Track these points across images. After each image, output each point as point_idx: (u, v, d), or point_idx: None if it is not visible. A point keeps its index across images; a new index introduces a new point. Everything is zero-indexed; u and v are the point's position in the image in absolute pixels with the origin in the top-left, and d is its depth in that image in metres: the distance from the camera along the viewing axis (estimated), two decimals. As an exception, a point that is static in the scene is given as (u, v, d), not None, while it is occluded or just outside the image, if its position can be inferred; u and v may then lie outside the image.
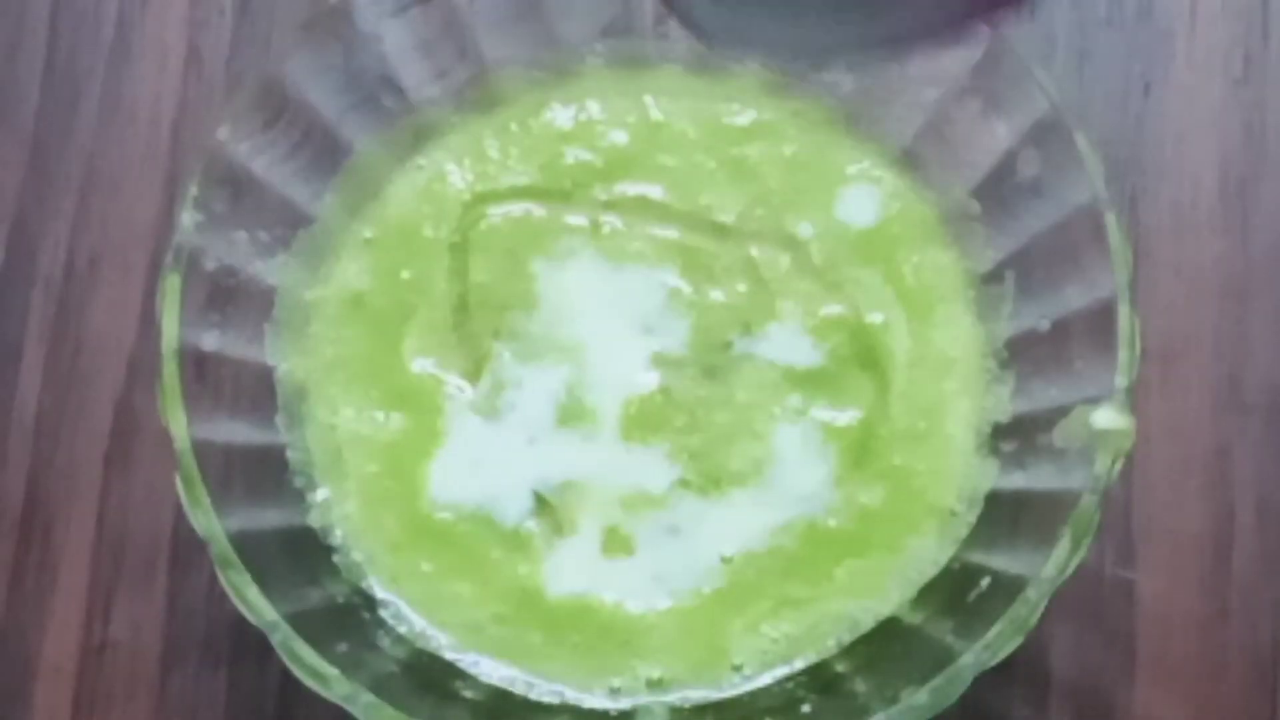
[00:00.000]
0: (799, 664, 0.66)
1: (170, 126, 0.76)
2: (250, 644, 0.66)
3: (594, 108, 0.73)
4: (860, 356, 0.70)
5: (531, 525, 0.67)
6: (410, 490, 0.68)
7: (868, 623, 0.66)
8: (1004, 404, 0.68)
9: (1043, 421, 0.65)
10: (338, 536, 0.67)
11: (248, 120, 0.65)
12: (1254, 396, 0.72)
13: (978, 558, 0.66)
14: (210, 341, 0.64)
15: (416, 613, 0.67)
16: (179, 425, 0.61)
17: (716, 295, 0.70)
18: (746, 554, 0.67)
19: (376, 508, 0.68)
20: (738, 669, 0.66)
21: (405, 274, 0.71)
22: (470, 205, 0.71)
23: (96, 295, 0.74)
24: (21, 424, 0.73)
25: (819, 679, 0.65)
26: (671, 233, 0.71)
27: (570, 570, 0.67)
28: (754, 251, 0.70)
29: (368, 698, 0.58)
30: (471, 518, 0.68)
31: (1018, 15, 0.42)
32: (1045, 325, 0.66)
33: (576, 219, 0.71)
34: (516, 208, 0.72)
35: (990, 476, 0.67)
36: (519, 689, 0.66)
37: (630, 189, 0.72)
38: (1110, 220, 0.62)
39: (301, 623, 0.60)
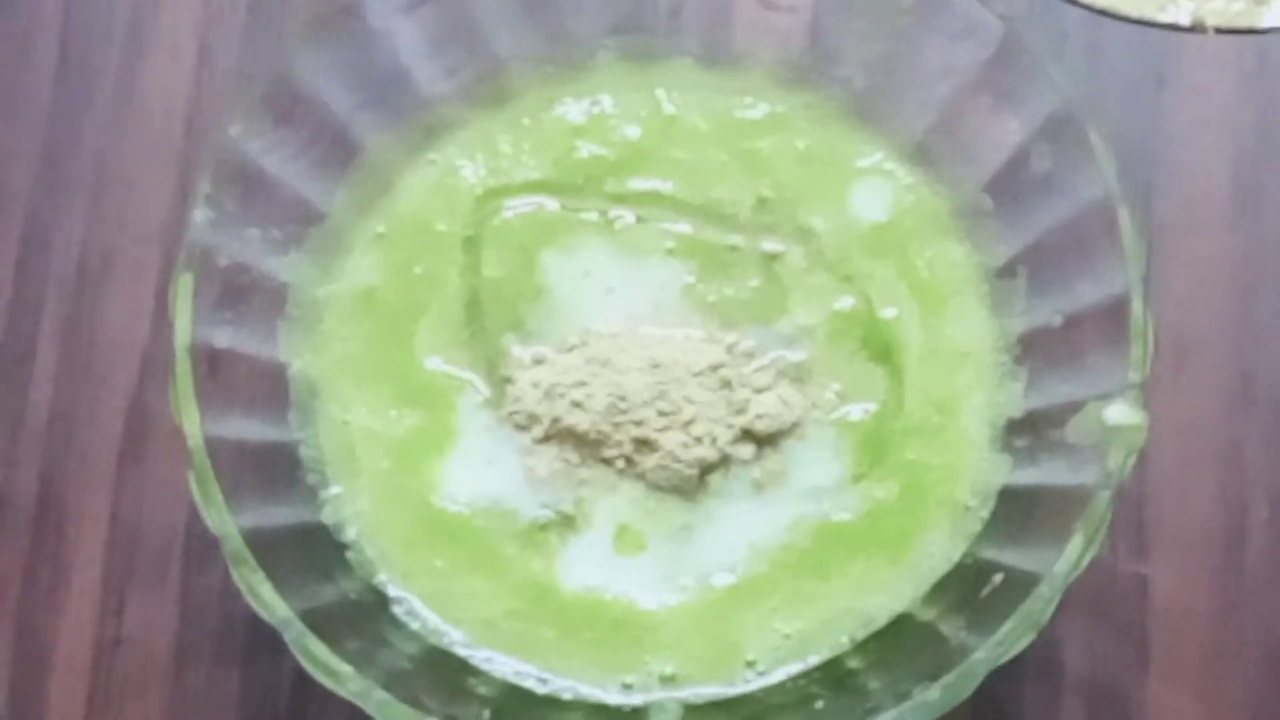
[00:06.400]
0: (812, 660, 0.66)
1: (182, 123, 0.76)
2: (263, 640, 0.66)
3: (606, 102, 0.73)
4: (874, 350, 0.70)
5: (545, 521, 0.67)
6: (423, 487, 0.68)
7: (881, 619, 0.66)
8: (1017, 399, 0.68)
9: (1055, 417, 0.64)
10: (351, 533, 0.67)
11: (259, 117, 0.65)
12: (1267, 391, 0.72)
13: (990, 553, 0.66)
14: (223, 339, 0.64)
15: (429, 609, 0.67)
16: (192, 422, 0.61)
17: (729, 290, 0.70)
18: (759, 550, 0.67)
19: (390, 504, 0.68)
20: (751, 665, 0.66)
21: (418, 269, 0.71)
22: (482, 200, 0.71)
23: (109, 293, 0.74)
24: (35, 421, 0.73)
25: (832, 675, 0.65)
26: (684, 227, 0.71)
27: (583, 567, 0.67)
28: (766, 245, 0.70)
29: (380, 694, 0.59)
30: (485, 514, 0.68)
31: None
32: (1058, 320, 0.66)
33: (589, 213, 0.71)
34: (529, 202, 0.72)
35: (1003, 472, 0.67)
36: (532, 685, 0.66)
37: (642, 183, 0.71)
38: (1123, 215, 0.62)
39: (314, 619, 0.60)
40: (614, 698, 0.66)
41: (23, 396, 0.73)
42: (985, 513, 0.67)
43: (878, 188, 0.71)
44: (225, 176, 0.64)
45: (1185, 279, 0.73)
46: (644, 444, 0.67)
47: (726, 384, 0.68)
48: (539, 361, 0.69)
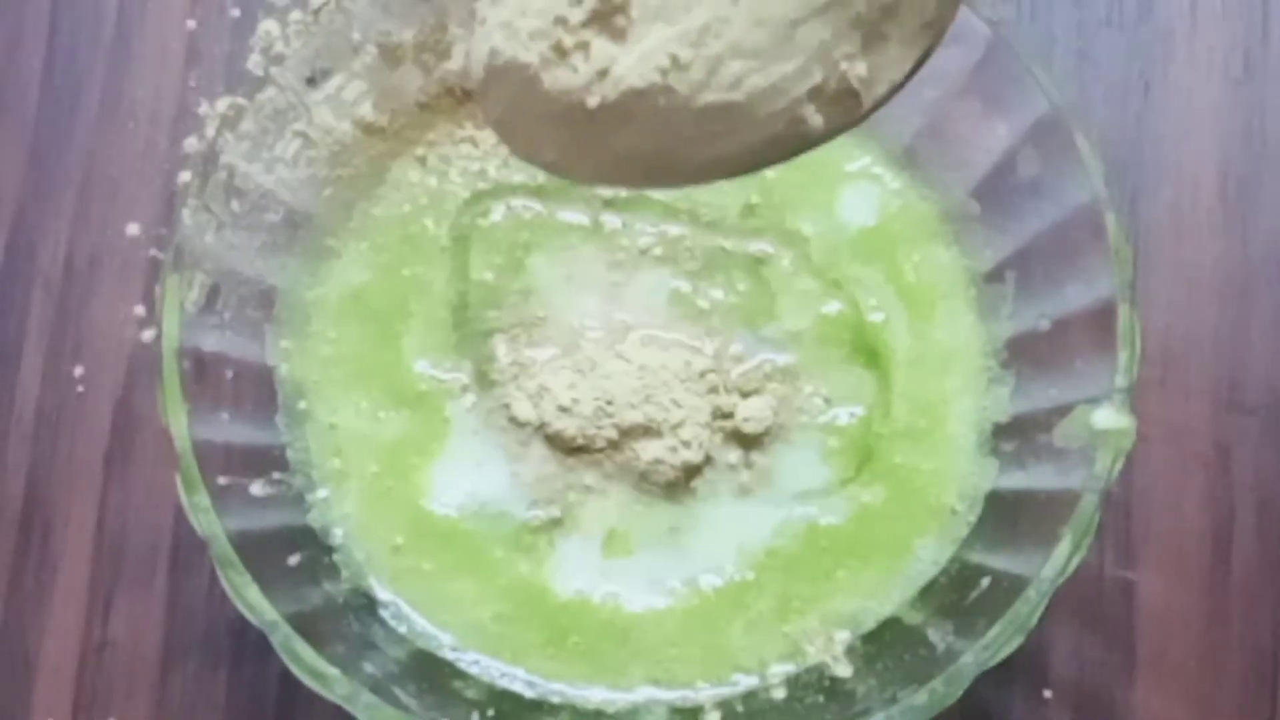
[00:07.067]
0: (799, 663, 0.66)
1: (170, 126, 0.76)
2: (250, 644, 0.66)
3: (594, 105, 0.73)
4: (861, 354, 0.70)
5: (533, 524, 0.67)
6: (411, 490, 0.68)
7: (868, 622, 0.66)
8: (1004, 403, 0.68)
9: (1043, 421, 0.65)
10: (338, 536, 0.67)
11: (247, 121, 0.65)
12: (1254, 396, 0.72)
13: (978, 557, 0.66)
14: (210, 341, 0.64)
15: (417, 612, 0.67)
16: (179, 425, 0.61)
17: (717, 293, 0.70)
18: (746, 553, 0.67)
19: (377, 507, 0.68)
20: (738, 668, 0.66)
21: (405, 272, 0.71)
22: (470, 202, 0.71)
23: (96, 295, 0.74)
24: (21, 424, 0.73)
25: (819, 679, 0.65)
26: (671, 231, 0.71)
27: (571, 570, 0.67)
28: (754, 250, 0.70)
29: (368, 697, 0.58)
30: (473, 517, 0.68)
31: None
32: (1045, 325, 0.66)
33: (576, 217, 0.71)
34: (516, 205, 0.71)
35: (990, 476, 0.67)
36: (520, 688, 0.66)
37: (630, 187, 0.71)
38: (1110, 220, 0.62)
39: (301, 622, 0.60)
40: (601, 700, 0.66)
41: (9, 398, 0.73)
42: (973, 517, 0.67)
43: (866, 192, 0.71)
44: (213, 179, 0.64)
45: (1172, 283, 0.74)
46: (631, 448, 0.67)
47: (713, 388, 0.68)
48: (527, 365, 0.69)
